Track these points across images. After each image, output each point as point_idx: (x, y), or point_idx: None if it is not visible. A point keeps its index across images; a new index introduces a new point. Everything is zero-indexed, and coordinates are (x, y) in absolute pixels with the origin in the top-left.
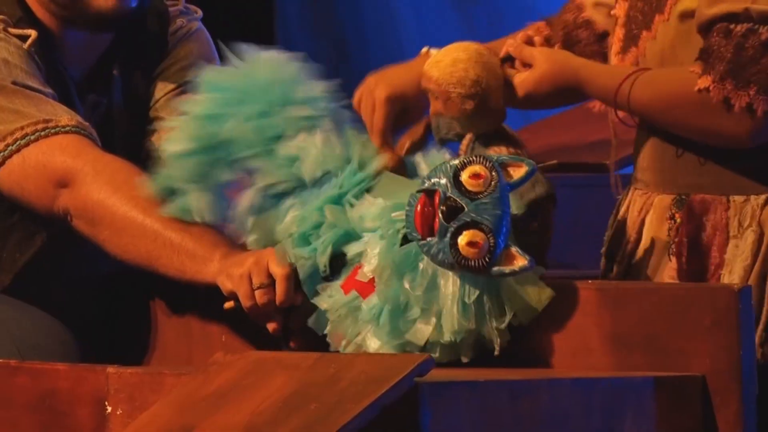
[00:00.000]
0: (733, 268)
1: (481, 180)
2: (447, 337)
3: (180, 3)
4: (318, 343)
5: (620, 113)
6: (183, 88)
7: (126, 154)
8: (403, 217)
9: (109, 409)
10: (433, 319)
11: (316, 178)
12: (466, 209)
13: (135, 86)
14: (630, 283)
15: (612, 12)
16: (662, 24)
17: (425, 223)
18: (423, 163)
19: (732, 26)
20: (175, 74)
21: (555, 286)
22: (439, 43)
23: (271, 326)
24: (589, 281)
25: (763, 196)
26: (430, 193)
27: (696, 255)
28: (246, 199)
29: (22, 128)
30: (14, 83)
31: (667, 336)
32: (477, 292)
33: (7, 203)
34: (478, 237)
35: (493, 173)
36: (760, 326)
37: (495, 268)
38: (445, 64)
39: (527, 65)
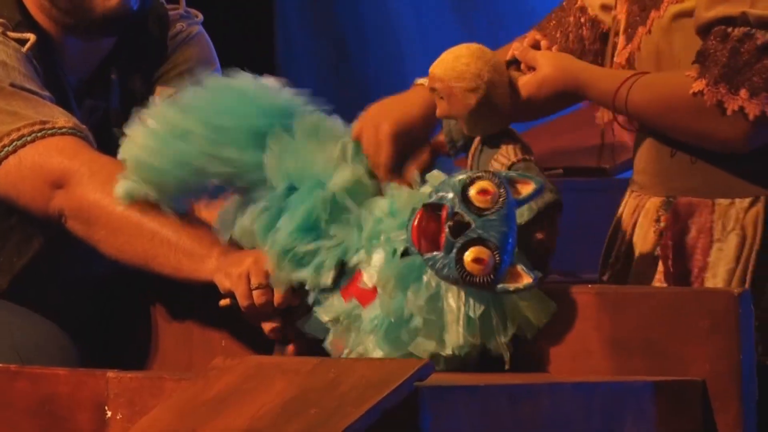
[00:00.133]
0: (717, 272)
1: (489, 196)
2: (449, 351)
3: (180, 7)
4: (314, 345)
5: (621, 117)
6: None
7: None
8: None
9: (109, 413)
10: (436, 333)
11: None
12: (473, 225)
13: (133, 91)
14: (629, 288)
15: (613, 13)
16: (657, 20)
17: (422, 238)
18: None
19: (729, 30)
20: (174, 79)
21: (554, 290)
22: (439, 45)
23: (266, 326)
24: (589, 286)
25: (748, 200)
26: (436, 207)
27: (681, 258)
28: (228, 207)
29: (18, 129)
30: (12, 85)
31: (666, 340)
32: (482, 307)
33: (4, 206)
34: (484, 254)
35: (501, 190)
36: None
37: (500, 286)
38: (447, 60)
39: (531, 68)
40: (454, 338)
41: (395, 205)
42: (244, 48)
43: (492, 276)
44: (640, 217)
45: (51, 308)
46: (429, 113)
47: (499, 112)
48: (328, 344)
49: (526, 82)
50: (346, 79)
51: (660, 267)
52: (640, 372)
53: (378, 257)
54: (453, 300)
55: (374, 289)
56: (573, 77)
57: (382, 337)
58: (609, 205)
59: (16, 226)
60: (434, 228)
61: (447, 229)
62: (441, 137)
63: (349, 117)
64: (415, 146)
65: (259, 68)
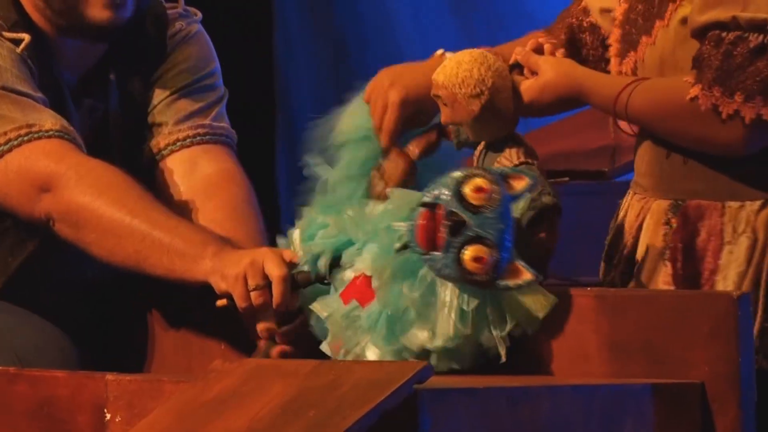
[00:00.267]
0: (728, 274)
1: (484, 193)
2: (440, 342)
3: (179, 5)
4: (311, 348)
5: (622, 123)
6: (181, 92)
7: (123, 159)
8: (403, 226)
9: (108, 416)
10: (428, 325)
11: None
12: (469, 224)
13: (132, 90)
14: (628, 291)
15: (612, 14)
16: (662, 29)
17: (427, 237)
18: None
19: (723, 34)
20: (173, 78)
21: (553, 293)
22: (438, 46)
23: (261, 326)
24: (588, 288)
25: (758, 202)
26: (432, 206)
27: (691, 260)
28: None
29: (5, 133)
30: (3, 88)
31: (665, 343)
32: (476, 301)
33: None
34: (483, 252)
35: (495, 186)
36: (754, 332)
37: (500, 283)
38: (450, 67)
39: (534, 73)
40: (445, 329)
41: (390, 204)
42: (243, 47)
43: (492, 273)
44: (646, 220)
45: (47, 310)
46: None
47: (502, 117)
48: (326, 345)
49: (528, 87)
50: (345, 79)
51: (668, 269)
52: (639, 375)
53: (372, 248)
54: (447, 294)
55: (369, 288)
56: (575, 83)
57: (377, 331)
58: (608, 208)
59: (11, 228)
60: (431, 227)
61: (444, 229)
62: (450, 126)
63: None
64: (422, 115)
65: (258, 67)
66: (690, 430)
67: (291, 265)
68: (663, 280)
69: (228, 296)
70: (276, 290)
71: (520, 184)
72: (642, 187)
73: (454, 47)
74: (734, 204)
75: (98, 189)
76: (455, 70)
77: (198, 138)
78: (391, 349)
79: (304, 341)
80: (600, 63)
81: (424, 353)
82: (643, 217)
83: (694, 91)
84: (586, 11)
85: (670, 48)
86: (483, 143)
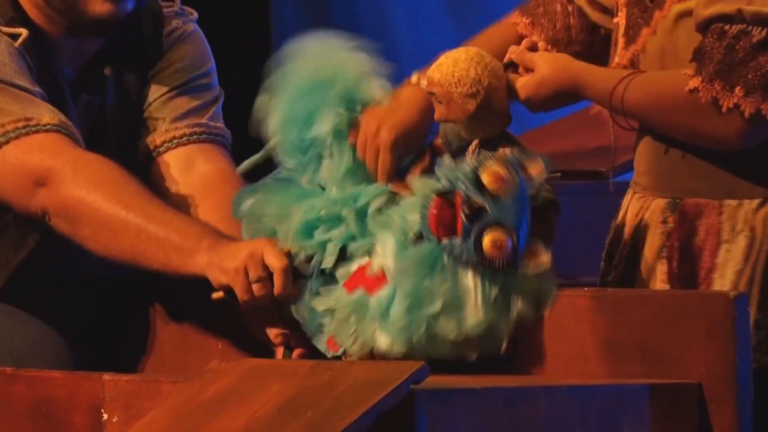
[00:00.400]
0: (725, 273)
1: (502, 180)
2: (468, 329)
3: (175, 4)
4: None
5: (620, 117)
6: (177, 90)
7: (120, 154)
8: (416, 217)
9: (106, 416)
10: (455, 314)
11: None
12: (488, 210)
13: (128, 87)
14: (625, 291)
15: (614, 20)
16: (662, 20)
17: (441, 225)
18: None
19: (726, 27)
20: (169, 76)
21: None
22: (434, 47)
23: (272, 332)
24: (585, 288)
25: (756, 201)
26: (448, 194)
27: (688, 259)
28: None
29: (3, 126)
30: (1, 81)
31: (662, 343)
32: (497, 285)
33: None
34: (502, 237)
35: (513, 172)
36: (750, 331)
37: (520, 266)
38: (446, 65)
39: (529, 70)
40: (475, 316)
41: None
42: (240, 47)
43: (511, 258)
44: (645, 218)
45: (47, 308)
46: (426, 116)
47: (497, 116)
48: (321, 343)
49: (524, 84)
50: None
51: (666, 268)
52: (636, 375)
53: (389, 243)
54: (470, 281)
55: (382, 276)
56: (571, 77)
57: (391, 321)
58: (605, 208)
59: (12, 224)
60: (449, 214)
61: (463, 216)
62: (438, 140)
63: None
64: (412, 149)
65: (254, 68)
66: (687, 430)
67: (290, 253)
68: (661, 278)
69: (225, 289)
70: (277, 281)
71: (536, 170)
72: (641, 185)
73: (451, 48)
74: (732, 202)
75: (94, 183)
76: (451, 68)
77: (194, 137)
78: (405, 339)
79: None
80: (585, 47)
81: (440, 343)
82: (642, 215)
83: (694, 83)
84: None
85: (671, 38)
86: (475, 143)
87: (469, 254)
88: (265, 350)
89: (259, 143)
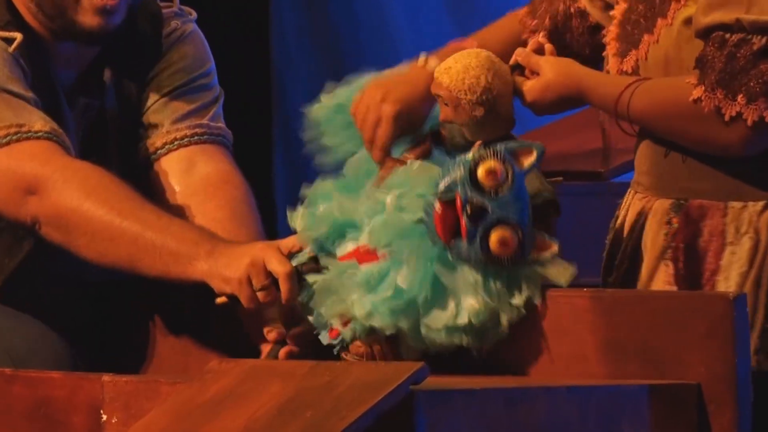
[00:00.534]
0: (729, 275)
1: (498, 175)
2: (465, 319)
3: (174, 5)
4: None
5: (624, 123)
6: (178, 91)
7: (119, 157)
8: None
9: (105, 417)
10: (453, 302)
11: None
12: (489, 208)
13: (128, 89)
14: (624, 291)
15: (611, 12)
16: (665, 28)
17: (447, 229)
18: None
19: (727, 36)
20: (169, 77)
21: (550, 294)
22: (434, 48)
23: (272, 335)
24: (584, 289)
25: (761, 203)
26: (447, 196)
27: (692, 261)
28: None
29: None
30: None
31: (662, 344)
32: (502, 278)
33: None
34: (507, 234)
35: (507, 165)
36: (755, 333)
37: (529, 259)
38: (457, 70)
39: (535, 73)
40: (473, 304)
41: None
42: (240, 47)
43: (519, 252)
44: (648, 219)
45: (46, 308)
46: (430, 98)
47: (502, 120)
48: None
49: (530, 88)
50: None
51: (670, 269)
52: (635, 375)
53: (377, 221)
54: (472, 271)
55: (373, 251)
56: (576, 82)
57: (379, 293)
58: (604, 208)
59: (6, 229)
60: (451, 216)
61: (465, 218)
62: (443, 131)
63: None
64: (411, 129)
65: (254, 68)
66: (686, 431)
67: (290, 256)
68: (664, 279)
69: (228, 296)
70: (284, 287)
71: (528, 159)
72: (643, 186)
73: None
74: (737, 204)
75: (85, 191)
76: (462, 75)
77: (195, 138)
78: (387, 316)
79: (309, 343)
80: (585, 49)
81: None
82: (645, 216)
83: (697, 92)
84: None
85: (675, 47)
86: (478, 144)
87: (477, 255)
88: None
89: (258, 142)
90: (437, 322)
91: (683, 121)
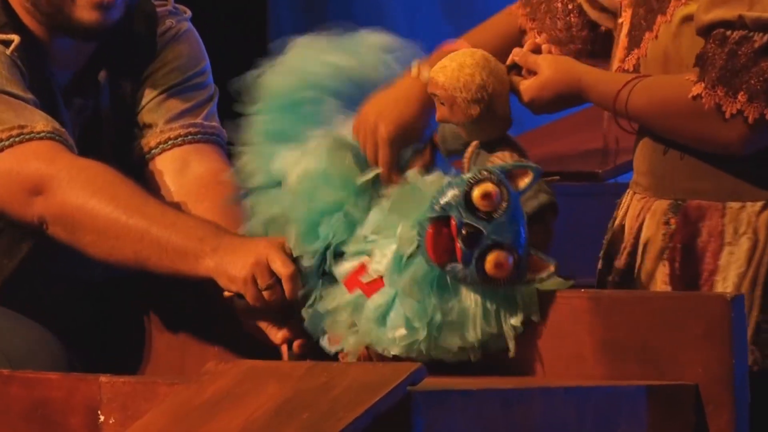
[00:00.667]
0: (727, 275)
1: (493, 199)
2: (471, 342)
3: (169, 3)
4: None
5: (622, 120)
6: (172, 90)
7: (114, 157)
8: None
9: (102, 418)
10: (457, 329)
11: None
12: (485, 232)
13: (122, 89)
14: (622, 292)
15: (619, 21)
16: (664, 25)
17: (439, 251)
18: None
19: (728, 33)
20: (164, 76)
21: (547, 295)
22: (431, 50)
23: (277, 337)
24: (582, 290)
25: (760, 203)
26: (442, 218)
27: (690, 261)
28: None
29: None
30: None
31: (659, 345)
32: (499, 300)
33: None
34: (503, 257)
35: (503, 188)
36: (749, 331)
37: (526, 280)
38: (452, 69)
39: (532, 72)
40: (473, 334)
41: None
42: (237, 47)
43: (515, 274)
44: (647, 219)
45: (43, 309)
46: (426, 109)
47: (499, 119)
48: (324, 340)
49: (528, 87)
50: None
51: (668, 270)
52: (633, 376)
53: (388, 253)
54: (471, 296)
55: (379, 280)
56: (574, 80)
57: (391, 329)
58: (602, 209)
59: (6, 229)
60: (446, 239)
61: (461, 242)
62: (435, 137)
63: None
64: (412, 142)
65: (250, 65)
66: None
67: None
68: (662, 280)
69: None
70: (287, 287)
71: (524, 181)
72: (642, 186)
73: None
74: (735, 205)
75: (91, 189)
76: (456, 73)
77: (189, 137)
78: (402, 349)
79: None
80: (584, 45)
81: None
82: (644, 216)
83: (697, 89)
84: None
85: (674, 43)
86: (474, 145)
87: (473, 278)
88: (262, 352)
89: None
90: (451, 345)
91: (682, 118)
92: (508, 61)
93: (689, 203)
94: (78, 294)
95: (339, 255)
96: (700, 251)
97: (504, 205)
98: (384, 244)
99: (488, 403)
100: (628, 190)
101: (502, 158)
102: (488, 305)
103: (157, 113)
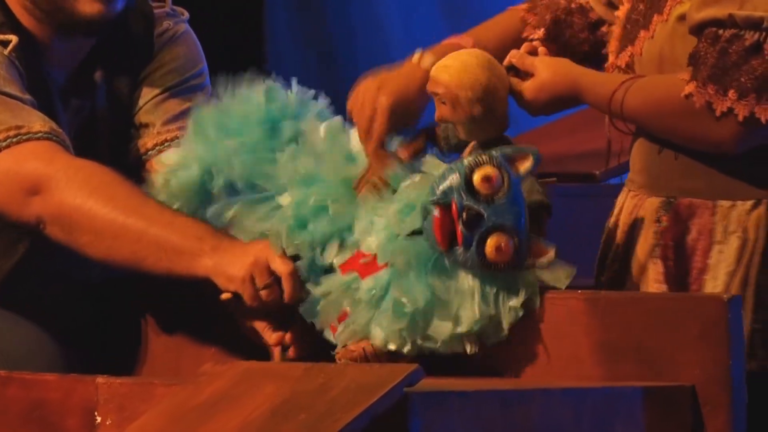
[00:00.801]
0: (717, 274)
1: (494, 182)
2: (465, 328)
3: (167, 5)
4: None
5: (617, 121)
6: (169, 92)
7: (110, 158)
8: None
9: (99, 419)
10: (452, 312)
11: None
12: (485, 215)
13: (120, 90)
14: (619, 294)
15: (615, 13)
16: (660, 24)
17: (445, 235)
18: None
19: (720, 31)
20: (160, 78)
21: (544, 296)
22: None
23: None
24: (579, 291)
25: (750, 202)
26: (444, 202)
27: (680, 259)
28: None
29: None
30: None
31: (656, 346)
32: (499, 284)
33: None
34: (503, 240)
35: (503, 171)
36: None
37: (526, 264)
38: (455, 68)
39: (529, 74)
40: (471, 314)
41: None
42: (233, 49)
43: (516, 258)
44: (639, 217)
45: (40, 310)
46: (425, 94)
47: (498, 119)
48: (320, 326)
49: (525, 88)
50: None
51: (659, 268)
52: (630, 377)
53: (383, 233)
54: (468, 278)
55: (374, 262)
56: (571, 82)
57: (384, 312)
58: (598, 210)
59: (2, 230)
60: (448, 222)
61: (461, 225)
62: (438, 129)
63: None
64: (406, 123)
65: (247, 66)
66: None
67: (293, 255)
68: (653, 278)
69: (233, 291)
70: (287, 286)
71: (524, 165)
72: (636, 184)
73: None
74: (726, 203)
75: (88, 189)
76: (461, 73)
77: None
78: (396, 335)
79: (308, 337)
80: (584, 46)
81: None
82: (636, 214)
83: (689, 88)
84: None
85: (670, 43)
86: (472, 144)
87: (473, 262)
88: (259, 353)
89: None
90: (439, 333)
91: (675, 117)
92: (505, 63)
93: (680, 201)
94: (75, 295)
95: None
96: (690, 249)
97: (504, 188)
98: (379, 224)
99: (485, 404)
100: (623, 189)
101: None
102: (487, 288)
103: (155, 114)
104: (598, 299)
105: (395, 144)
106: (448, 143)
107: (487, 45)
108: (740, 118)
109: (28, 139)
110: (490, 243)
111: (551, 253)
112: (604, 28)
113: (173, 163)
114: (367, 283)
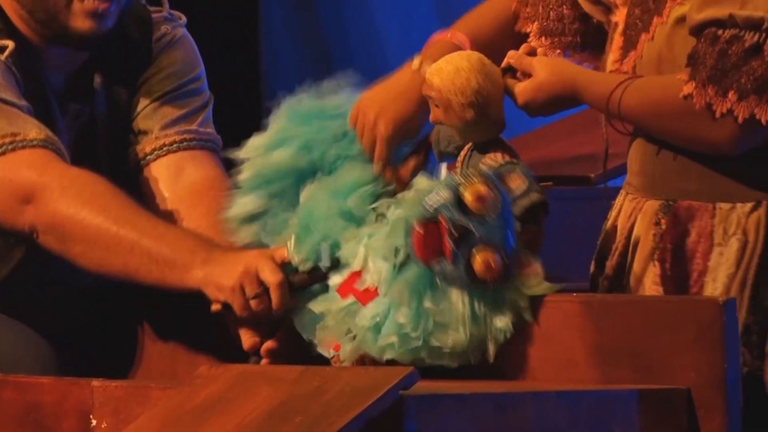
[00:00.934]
0: (717, 276)
1: (486, 201)
2: (458, 348)
3: (164, 9)
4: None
5: (615, 122)
6: (167, 96)
7: (109, 163)
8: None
9: (94, 422)
10: (448, 332)
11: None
12: (475, 233)
13: (118, 94)
14: (614, 296)
15: (613, 19)
16: (660, 26)
17: (427, 250)
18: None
19: (719, 32)
20: (159, 83)
21: (539, 300)
22: None
23: (248, 343)
24: (574, 294)
25: (749, 204)
26: (432, 219)
27: (680, 262)
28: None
29: None
30: None
31: (651, 349)
32: (486, 301)
33: None
34: (492, 257)
35: (495, 191)
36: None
37: (514, 282)
38: (448, 72)
39: (527, 75)
40: (462, 337)
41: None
42: (230, 53)
43: (503, 274)
44: (638, 219)
45: (35, 314)
46: (425, 106)
47: (492, 122)
48: (317, 342)
49: (523, 89)
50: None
51: (658, 270)
52: (625, 380)
53: (382, 265)
54: (458, 299)
55: (374, 290)
56: (569, 82)
57: (385, 336)
58: (594, 213)
59: None
60: (435, 238)
61: (450, 241)
62: (430, 137)
63: None
64: (410, 138)
65: (243, 73)
66: None
67: (283, 266)
68: (652, 280)
69: (223, 303)
70: (275, 296)
71: (516, 184)
72: (634, 186)
73: None
74: (725, 205)
75: (82, 199)
76: (452, 76)
77: (185, 144)
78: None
79: (291, 348)
80: (576, 37)
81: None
82: (635, 217)
83: (688, 88)
84: None
85: (668, 44)
86: (468, 147)
87: (461, 277)
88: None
89: None
90: (439, 352)
91: (674, 118)
92: (503, 64)
93: (679, 204)
94: (71, 298)
95: (337, 262)
96: (690, 252)
97: (495, 206)
98: (377, 252)
99: (481, 407)
100: (621, 191)
101: (495, 159)
102: (476, 307)
103: (153, 119)
104: (592, 302)
105: (401, 153)
106: (438, 149)
107: (478, 34)
108: (740, 119)
109: (23, 147)
110: (479, 258)
111: (539, 271)
112: (595, 20)
113: (265, 142)
114: (369, 310)
